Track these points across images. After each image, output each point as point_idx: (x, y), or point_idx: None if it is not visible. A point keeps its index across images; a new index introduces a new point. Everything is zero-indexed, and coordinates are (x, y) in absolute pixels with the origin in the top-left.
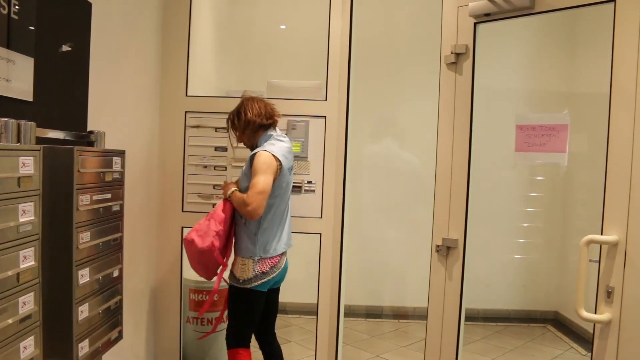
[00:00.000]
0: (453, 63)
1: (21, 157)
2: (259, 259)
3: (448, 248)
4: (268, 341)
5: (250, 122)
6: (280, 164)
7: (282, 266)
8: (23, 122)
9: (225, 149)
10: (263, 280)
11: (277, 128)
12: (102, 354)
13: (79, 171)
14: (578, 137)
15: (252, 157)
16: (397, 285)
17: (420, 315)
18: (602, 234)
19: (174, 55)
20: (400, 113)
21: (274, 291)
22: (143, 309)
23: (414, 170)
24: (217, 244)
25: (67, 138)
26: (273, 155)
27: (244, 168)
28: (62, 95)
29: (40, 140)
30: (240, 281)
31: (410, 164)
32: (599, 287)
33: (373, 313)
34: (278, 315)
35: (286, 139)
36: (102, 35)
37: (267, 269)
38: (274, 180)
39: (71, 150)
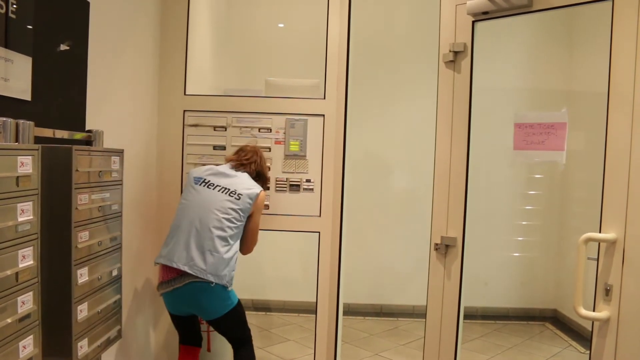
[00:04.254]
0: (451, 61)
1: (19, 157)
2: (158, 264)
3: (447, 246)
4: (235, 353)
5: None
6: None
7: (167, 293)
8: (21, 121)
9: (223, 148)
10: (159, 292)
11: (244, 170)
12: (102, 353)
13: (77, 170)
14: (576, 135)
15: None
16: (396, 283)
17: (419, 313)
18: (600, 232)
19: (172, 54)
20: (399, 111)
21: (208, 321)
22: (142, 308)
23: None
24: None
25: (66, 137)
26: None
27: None
28: (60, 95)
29: (38, 140)
30: None
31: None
32: (597, 285)
33: (372, 311)
34: (278, 313)
35: (227, 166)
36: (100, 35)
37: (159, 280)
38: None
39: (69, 150)
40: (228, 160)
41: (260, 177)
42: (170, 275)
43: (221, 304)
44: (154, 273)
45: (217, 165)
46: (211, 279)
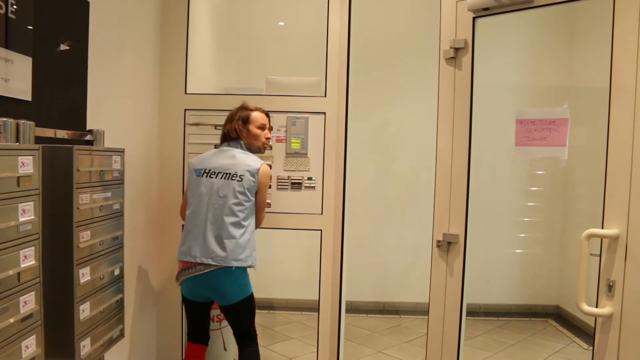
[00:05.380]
0: (452, 58)
1: (20, 157)
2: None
3: (449, 243)
4: (242, 347)
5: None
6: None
7: (189, 279)
8: (22, 121)
9: None
10: (179, 282)
11: (235, 144)
12: (104, 352)
13: (78, 170)
14: (578, 131)
15: None
16: (398, 280)
17: (422, 310)
18: (602, 228)
19: (173, 53)
20: (400, 108)
21: (222, 307)
22: (144, 307)
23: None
24: None
25: (67, 137)
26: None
27: None
28: (60, 95)
29: (39, 140)
30: None
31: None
32: (600, 281)
33: (374, 309)
34: (279, 312)
35: (236, 149)
36: (101, 34)
37: (178, 269)
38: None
39: (70, 149)
40: (232, 139)
41: (250, 149)
42: (192, 263)
43: (239, 289)
44: (156, 271)
45: (215, 147)
46: (233, 264)
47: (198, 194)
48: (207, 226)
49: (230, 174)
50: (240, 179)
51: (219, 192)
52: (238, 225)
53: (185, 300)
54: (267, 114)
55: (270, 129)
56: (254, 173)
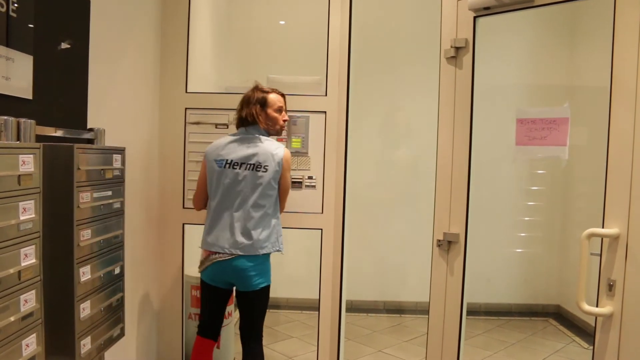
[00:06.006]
0: (453, 57)
1: (21, 155)
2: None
3: (449, 242)
4: (247, 345)
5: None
6: (206, 154)
7: (217, 262)
8: (23, 120)
9: None
10: (203, 268)
11: (253, 129)
12: (104, 351)
13: (79, 169)
14: (579, 130)
15: None
16: (399, 280)
17: (422, 309)
18: (603, 227)
19: (174, 51)
20: (400, 107)
21: (239, 294)
22: (145, 306)
23: (414, 164)
24: None
25: (67, 136)
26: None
27: None
28: (61, 93)
29: (40, 138)
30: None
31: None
32: (600, 280)
33: (375, 308)
34: (280, 311)
35: (254, 135)
36: (101, 33)
37: (204, 256)
38: (206, 174)
39: (71, 148)
40: (249, 124)
41: (269, 132)
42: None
43: (261, 274)
44: (156, 270)
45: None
46: (260, 252)
47: (223, 186)
48: (234, 217)
49: (254, 164)
50: (265, 170)
51: (245, 184)
52: (264, 215)
53: (205, 287)
54: (283, 95)
55: (286, 111)
56: (278, 162)
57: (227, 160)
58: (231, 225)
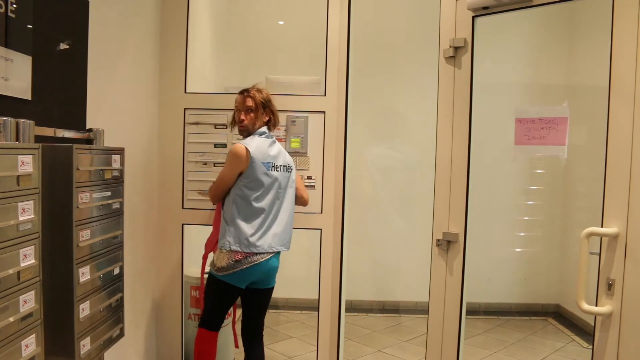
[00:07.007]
0: (452, 57)
1: (20, 156)
2: (232, 250)
3: (448, 242)
4: (251, 346)
5: (273, 112)
6: (250, 155)
7: (259, 263)
8: (21, 120)
9: (224, 146)
10: (234, 270)
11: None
12: (104, 351)
13: (78, 169)
14: (578, 129)
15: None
16: (398, 279)
17: (422, 309)
18: (602, 227)
19: (173, 52)
20: (399, 107)
21: (256, 292)
22: (144, 306)
23: (413, 164)
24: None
25: (66, 136)
26: (246, 147)
27: None
28: (60, 94)
29: (39, 139)
30: (215, 268)
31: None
32: (599, 279)
33: (374, 308)
34: (280, 311)
35: (273, 138)
36: (100, 33)
37: (241, 257)
38: (243, 172)
39: (70, 149)
40: (273, 128)
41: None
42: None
43: (276, 273)
44: (156, 270)
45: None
46: (288, 248)
47: (273, 188)
48: (282, 216)
49: (286, 166)
50: (290, 170)
51: (285, 184)
52: (293, 212)
53: (228, 288)
54: (241, 93)
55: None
56: (293, 164)
57: (272, 163)
58: (285, 223)
